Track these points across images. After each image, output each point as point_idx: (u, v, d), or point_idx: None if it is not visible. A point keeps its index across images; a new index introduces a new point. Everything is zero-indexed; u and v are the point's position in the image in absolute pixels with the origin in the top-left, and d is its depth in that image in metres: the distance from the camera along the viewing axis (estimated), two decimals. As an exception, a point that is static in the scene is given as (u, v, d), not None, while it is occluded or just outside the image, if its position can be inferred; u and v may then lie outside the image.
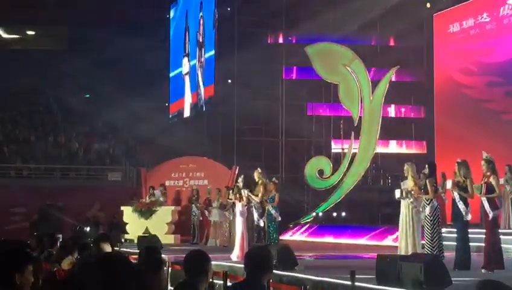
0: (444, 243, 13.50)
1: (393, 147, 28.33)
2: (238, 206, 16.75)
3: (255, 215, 16.06)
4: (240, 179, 18.47)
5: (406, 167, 14.09)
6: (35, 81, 37.06)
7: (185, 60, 33.05)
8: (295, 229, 24.96)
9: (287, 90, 28.33)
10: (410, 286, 9.03)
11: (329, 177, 25.39)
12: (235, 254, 15.65)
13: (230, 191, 19.53)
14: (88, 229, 24.41)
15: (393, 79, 25.53)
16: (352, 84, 25.16)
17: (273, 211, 18.82)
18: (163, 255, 6.57)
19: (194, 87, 31.73)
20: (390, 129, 26.59)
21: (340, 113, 26.81)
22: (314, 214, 26.17)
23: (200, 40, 31.68)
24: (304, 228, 24.95)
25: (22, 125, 35.49)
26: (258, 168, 17.08)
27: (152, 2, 35.03)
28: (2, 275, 4.59)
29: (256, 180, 16.34)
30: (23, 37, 45.32)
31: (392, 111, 27.86)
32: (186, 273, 5.72)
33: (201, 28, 31.63)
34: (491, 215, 12.60)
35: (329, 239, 23.07)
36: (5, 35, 45.06)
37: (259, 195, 16.53)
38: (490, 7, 23.30)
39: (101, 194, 28.68)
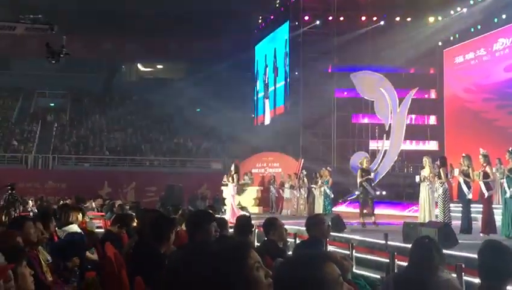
0: (452, 214, 13.21)
1: (414, 145, 27.75)
2: (230, 187, 17.58)
3: (371, 190, 15.38)
4: (233, 167, 18.97)
5: (424, 159, 13.85)
6: (162, 100, 37.78)
7: (265, 88, 33.35)
8: (344, 203, 24.71)
9: (337, 104, 28.13)
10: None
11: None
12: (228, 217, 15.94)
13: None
14: (199, 202, 24.71)
15: (414, 97, 25.05)
16: (384, 100, 24.78)
17: (328, 191, 18.77)
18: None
19: (272, 106, 32.03)
20: (412, 132, 26.10)
21: (375, 121, 26.39)
22: (357, 193, 25.81)
23: (274, 75, 32.05)
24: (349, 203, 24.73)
25: (154, 130, 36.23)
26: (366, 157, 16.69)
27: (243, 44, 35.28)
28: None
29: (364, 165, 15.79)
30: (154, 70, 46.30)
31: (413, 119, 27.25)
32: (265, 233, 5.72)
33: (275, 70, 32.21)
34: (486, 194, 12.41)
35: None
36: (142, 68, 46.14)
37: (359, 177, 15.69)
38: (486, 44, 22.72)
39: (208, 177, 29.06)
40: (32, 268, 3.81)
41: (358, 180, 15.36)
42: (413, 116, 27.60)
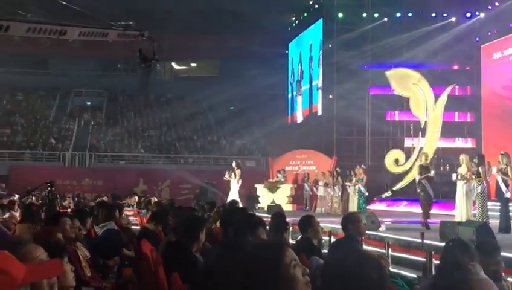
0: (490, 213, 12.97)
1: (450, 143, 27.31)
2: (233, 183, 17.70)
3: (430, 190, 13.82)
4: (234, 163, 19.00)
5: (461, 157, 13.63)
6: (196, 98, 37.97)
7: (298, 86, 33.25)
8: (378, 201, 24.51)
9: (372, 102, 27.87)
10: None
11: (402, 165, 24.82)
12: None
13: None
14: (232, 199, 24.71)
15: (452, 93, 24.69)
16: (419, 97, 24.50)
17: (362, 189, 18.62)
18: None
19: (304, 105, 31.98)
20: (449, 129, 25.71)
21: (410, 119, 26.08)
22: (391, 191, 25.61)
23: (306, 74, 32.00)
24: (384, 201, 24.50)
25: (188, 128, 36.45)
26: (424, 153, 15.42)
27: (276, 42, 35.26)
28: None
29: (423, 161, 14.43)
30: (189, 68, 46.50)
31: (450, 116, 26.81)
32: (301, 231, 5.71)
33: (301, 74, 32.39)
34: (526, 193, 12.13)
35: (402, 208, 22.51)
36: (176, 67, 46.41)
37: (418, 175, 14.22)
38: (525, 39, 22.21)
39: (242, 175, 29.01)
40: (72, 264, 3.88)
41: (417, 178, 14.14)
42: (456, 113, 27.22)
